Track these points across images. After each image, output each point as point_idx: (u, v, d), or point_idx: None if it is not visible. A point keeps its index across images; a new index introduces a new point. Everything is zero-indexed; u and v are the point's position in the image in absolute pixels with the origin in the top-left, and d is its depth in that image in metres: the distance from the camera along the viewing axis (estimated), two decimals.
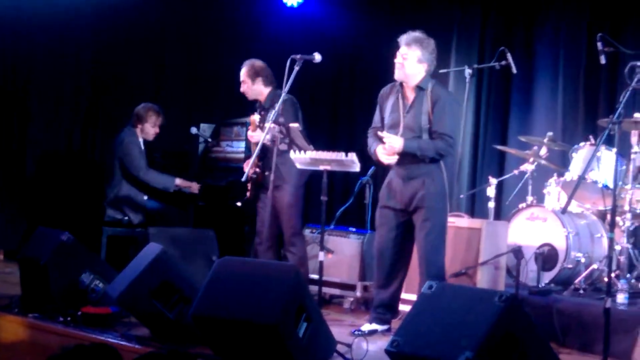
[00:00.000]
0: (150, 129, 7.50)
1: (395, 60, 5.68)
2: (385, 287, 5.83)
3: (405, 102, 5.73)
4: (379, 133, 5.71)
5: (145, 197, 7.44)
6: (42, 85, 8.46)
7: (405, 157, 5.65)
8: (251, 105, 7.74)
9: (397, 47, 5.71)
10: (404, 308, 5.90)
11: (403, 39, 5.68)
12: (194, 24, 9.15)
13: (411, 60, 5.64)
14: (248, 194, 6.45)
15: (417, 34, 5.70)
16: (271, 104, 6.45)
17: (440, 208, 5.68)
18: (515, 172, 7.30)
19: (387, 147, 5.61)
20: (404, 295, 6.07)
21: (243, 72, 6.58)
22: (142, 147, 7.48)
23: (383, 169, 8.54)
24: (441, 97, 5.65)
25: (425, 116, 5.62)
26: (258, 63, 6.56)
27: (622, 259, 6.34)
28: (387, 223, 5.80)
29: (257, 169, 6.38)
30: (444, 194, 5.69)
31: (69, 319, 5.36)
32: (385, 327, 5.78)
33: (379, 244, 5.85)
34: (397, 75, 5.71)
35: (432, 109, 5.61)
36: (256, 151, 6.12)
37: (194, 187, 7.51)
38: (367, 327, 5.77)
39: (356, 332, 5.63)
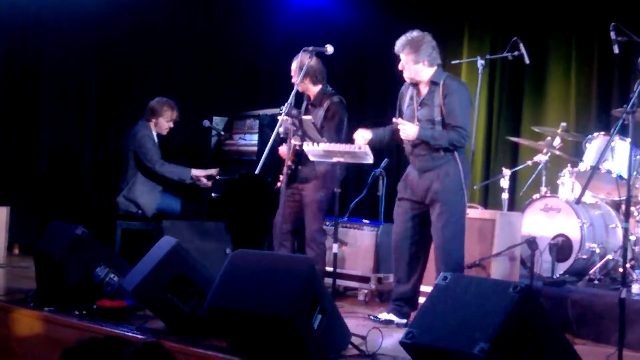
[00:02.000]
0: (164, 123, 7.50)
1: (399, 67, 5.79)
2: (405, 281, 5.82)
3: (418, 97, 5.80)
4: (394, 119, 5.77)
5: (160, 190, 7.45)
6: (51, 80, 8.48)
7: (420, 148, 5.69)
8: (269, 98, 7.74)
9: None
10: (421, 300, 5.90)
11: (395, 47, 5.77)
12: (205, 15, 9.15)
13: (409, 64, 5.73)
14: (279, 184, 6.42)
15: (407, 36, 5.75)
16: (320, 103, 6.44)
17: (457, 201, 5.67)
18: (529, 163, 7.29)
19: (402, 135, 5.67)
20: (421, 288, 6.07)
21: (293, 67, 6.38)
22: (156, 141, 7.49)
23: (397, 161, 8.59)
24: (452, 89, 5.70)
25: (438, 109, 5.67)
26: (306, 60, 6.18)
27: (637, 249, 6.33)
28: (404, 215, 5.82)
29: (291, 163, 6.31)
30: (460, 186, 5.69)
31: (84, 312, 5.37)
32: (402, 320, 5.76)
33: (396, 235, 5.86)
34: (405, 77, 5.83)
35: (444, 102, 5.66)
36: (292, 148, 6.13)
37: (213, 172, 7.50)
38: (384, 315, 5.79)
39: (372, 318, 5.66)
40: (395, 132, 5.84)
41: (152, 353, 3.23)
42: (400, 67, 5.78)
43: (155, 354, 3.24)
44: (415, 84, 5.82)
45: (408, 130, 5.63)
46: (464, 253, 5.77)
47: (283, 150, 6.37)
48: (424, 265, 5.87)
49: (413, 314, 5.77)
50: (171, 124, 7.55)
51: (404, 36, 5.77)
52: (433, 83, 5.73)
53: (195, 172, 7.47)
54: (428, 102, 5.73)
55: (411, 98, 5.84)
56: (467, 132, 5.68)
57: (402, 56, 5.74)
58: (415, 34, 5.76)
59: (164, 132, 7.56)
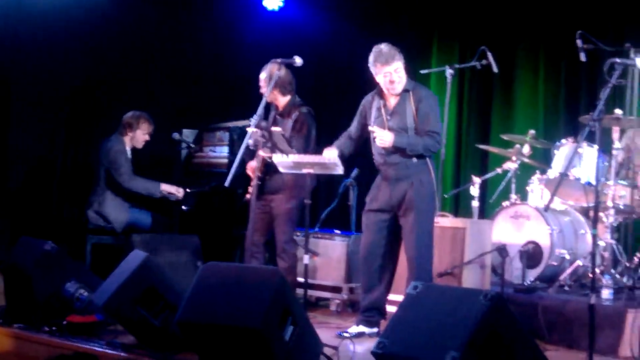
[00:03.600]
0: (141, 136, 7.48)
1: (390, 79, 5.70)
2: (372, 290, 5.83)
3: (387, 107, 5.80)
4: (370, 127, 5.75)
5: (129, 206, 7.41)
6: (23, 93, 8.38)
7: (394, 156, 5.70)
8: (239, 110, 7.73)
9: (371, 68, 5.76)
10: (392, 309, 5.91)
11: (384, 57, 5.68)
12: (175, 29, 9.12)
13: (401, 71, 5.72)
14: (248, 196, 6.39)
15: (389, 45, 5.74)
16: (288, 114, 6.44)
17: (429, 210, 5.74)
18: (499, 170, 7.33)
19: (379, 142, 5.66)
20: (390, 297, 6.08)
21: (262, 77, 6.38)
22: (129, 155, 7.45)
23: (368, 171, 8.59)
24: (424, 96, 5.76)
25: (411, 117, 5.71)
26: (276, 70, 6.26)
27: (606, 254, 6.36)
28: (374, 226, 5.83)
29: (260, 174, 6.29)
30: (433, 195, 5.76)
31: (54, 328, 5.32)
32: (373, 329, 5.77)
33: (365, 247, 5.86)
34: (397, 90, 5.75)
35: (417, 110, 5.68)
36: (261, 158, 6.12)
37: (180, 192, 7.48)
38: (354, 329, 5.77)
39: (342, 334, 5.63)
40: (356, 142, 5.93)
41: None
42: (394, 78, 5.70)
43: None
44: (381, 95, 5.83)
45: (384, 136, 5.62)
46: (434, 261, 5.80)
47: (251, 166, 6.34)
48: (391, 275, 5.90)
49: (383, 322, 5.79)
50: (147, 137, 7.54)
51: (385, 46, 5.72)
52: (404, 91, 5.75)
53: (164, 186, 7.45)
54: (399, 110, 5.75)
55: (378, 109, 5.84)
56: (441, 137, 5.78)
57: (395, 65, 5.68)
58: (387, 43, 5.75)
59: (140, 145, 7.53)
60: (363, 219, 5.91)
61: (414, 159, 5.70)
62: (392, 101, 5.81)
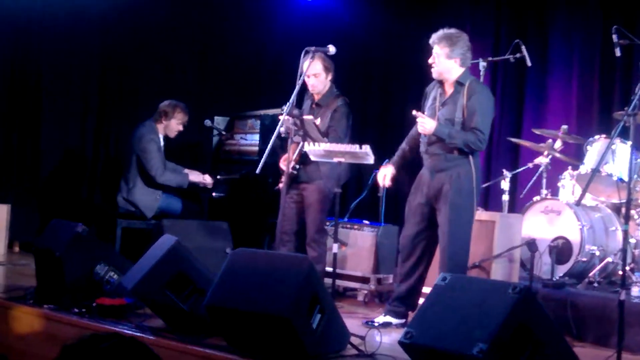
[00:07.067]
0: (175, 126, 7.53)
1: (429, 60, 5.73)
2: (405, 280, 5.81)
3: (442, 97, 5.76)
4: (414, 112, 5.72)
5: (160, 194, 7.45)
6: (53, 81, 8.48)
7: (435, 146, 5.67)
8: (271, 99, 7.73)
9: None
10: (421, 301, 5.90)
11: (431, 38, 5.72)
12: (208, 15, 9.16)
13: (441, 58, 5.67)
14: (280, 185, 6.40)
15: (445, 31, 5.71)
16: (327, 104, 6.45)
17: (466, 205, 5.62)
18: (530, 165, 7.29)
19: (420, 128, 5.65)
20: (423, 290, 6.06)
21: (318, 66, 6.31)
22: (162, 144, 7.49)
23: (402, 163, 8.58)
24: (476, 92, 5.65)
25: (460, 111, 5.62)
26: (326, 59, 6.36)
27: (637, 252, 6.32)
28: (414, 217, 5.79)
29: (295, 163, 6.31)
30: (471, 191, 5.62)
31: (83, 310, 5.37)
32: (400, 320, 5.76)
33: (405, 236, 5.84)
34: (433, 74, 5.76)
35: (467, 103, 5.62)
36: (298, 148, 6.17)
37: (207, 179, 7.52)
38: (380, 319, 5.77)
39: (369, 323, 5.63)
40: (415, 136, 5.86)
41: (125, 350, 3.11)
42: (430, 60, 5.71)
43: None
44: (441, 84, 5.78)
45: (426, 123, 5.58)
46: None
47: (284, 158, 6.33)
48: (427, 266, 5.83)
49: (411, 314, 5.77)
50: (181, 127, 7.58)
51: (441, 29, 5.72)
52: (459, 83, 5.69)
53: (192, 177, 7.49)
54: (451, 102, 5.69)
55: (434, 98, 5.79)
56: (485, 137, 5.60)
57: (436, 49, 5.68)
58: (453, 30, 5.72)
59: (173, 135, 7.57)
60: (406, 206, 5.87)
61: (455, 153, 5.61)
62: (448, 91, 5.75)
